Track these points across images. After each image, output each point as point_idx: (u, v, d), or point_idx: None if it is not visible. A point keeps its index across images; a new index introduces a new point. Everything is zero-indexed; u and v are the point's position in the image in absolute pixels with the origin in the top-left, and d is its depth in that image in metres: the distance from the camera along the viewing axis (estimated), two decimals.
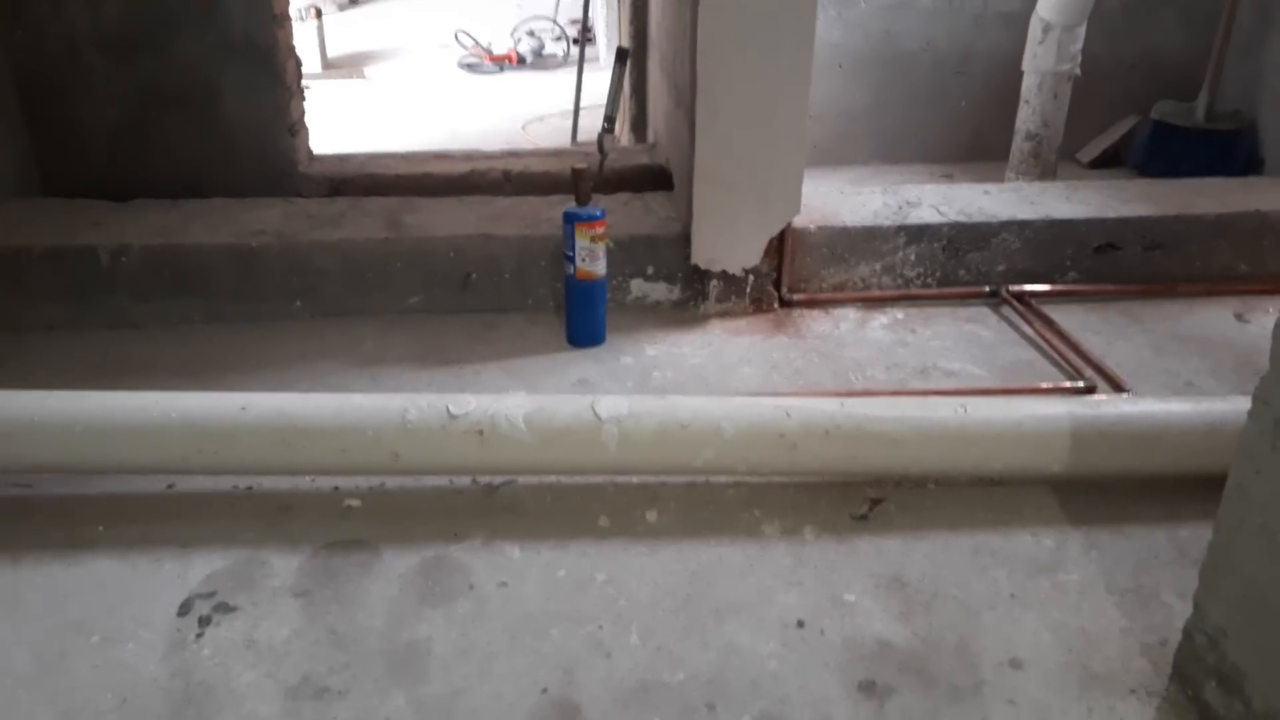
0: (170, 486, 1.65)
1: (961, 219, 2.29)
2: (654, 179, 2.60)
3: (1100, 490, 1.61)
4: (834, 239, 2.28)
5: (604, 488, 1.62)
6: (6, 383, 1.85)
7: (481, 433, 1.52)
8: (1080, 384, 1.90)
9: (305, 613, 1.39)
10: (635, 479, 1.64)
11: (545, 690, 1.25)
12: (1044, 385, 1.92)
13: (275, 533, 1.55)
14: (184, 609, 1.39)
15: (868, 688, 1.25)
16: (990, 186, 2.52)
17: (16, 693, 1.25)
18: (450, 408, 1.54)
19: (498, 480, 1.65)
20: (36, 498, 1.63)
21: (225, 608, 1.40)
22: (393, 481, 1.64)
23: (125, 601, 1.41)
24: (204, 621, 1.37)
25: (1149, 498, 1.60)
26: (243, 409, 1.54)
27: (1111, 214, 2.33)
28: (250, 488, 1.64)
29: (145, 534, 1.54)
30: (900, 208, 2.34)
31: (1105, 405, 1.59)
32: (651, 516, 1.57)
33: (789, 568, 1.46)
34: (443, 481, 1.65)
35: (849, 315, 2.26)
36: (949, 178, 3.10)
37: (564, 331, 2.14)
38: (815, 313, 2.27)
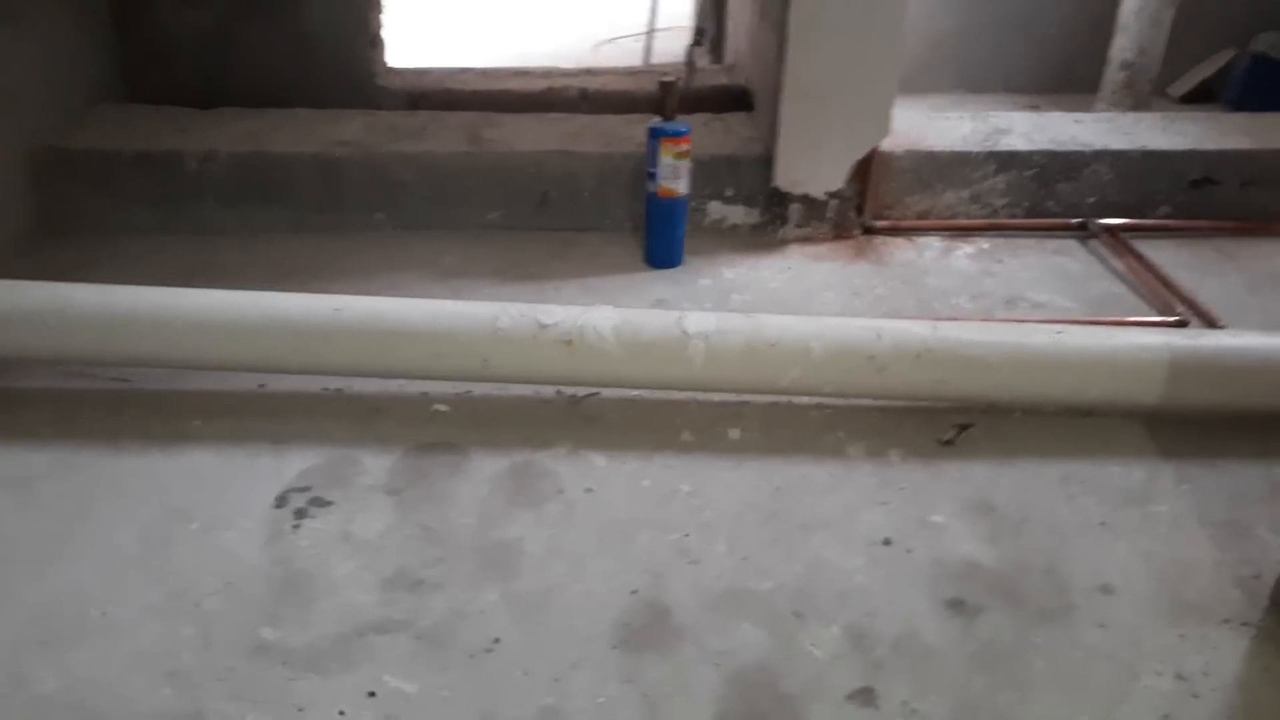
0: (262, 386, 1.69)
1: (1053, 147, 2.23)
2: (734, 100, 2.55)
3: (1192, 424, 1.58)
4: (920, 164, 2.23)
5: (686, 404, 1.63)
6: (104, 280, 1.91)
7: (570, 343, 1.53)
8: (1173, 318, 1.86)
9: (398, 509, 1.42)
10: (717, 397, 1.64)
11: (635, 591, 1.28)
12: (1136, 319, 1.87)
13: (366, 433, 1.58)
14: (280, 501, 1.44)
15: (956, 605, 1.26)
16: (1083, 116, 2.44)
17: (126, 572, 1.31)
18: (541, 317, 1.55)
19: (582, 392, 1.66)
20: (134, 391, 1.67)
21: (320, 502, 1.44)
22: (479, 389, 1.66)
23: (223, 492, 1.46)
24: (300, 514, 1.41)
25: (1243, 434, 1.56)
26: (337, 310, 1.57)
27: (1210, 146, 2.24)
28: (340, 390, 1.67)
29: (240, 429, 1.59)
30: (989, 134, 2.28)
31: (1205, 337, 1.56)
32: (734, 434, 1.58)
33: (874, 488, 1.46)
34: (528, 391, 1.67)
35: (933, 244, 2.22)
36: (1035, 108, 3.00)
37: (641, 252, 2.13)
38: (898, 240, 2.23)
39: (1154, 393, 1.51)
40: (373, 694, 1.14)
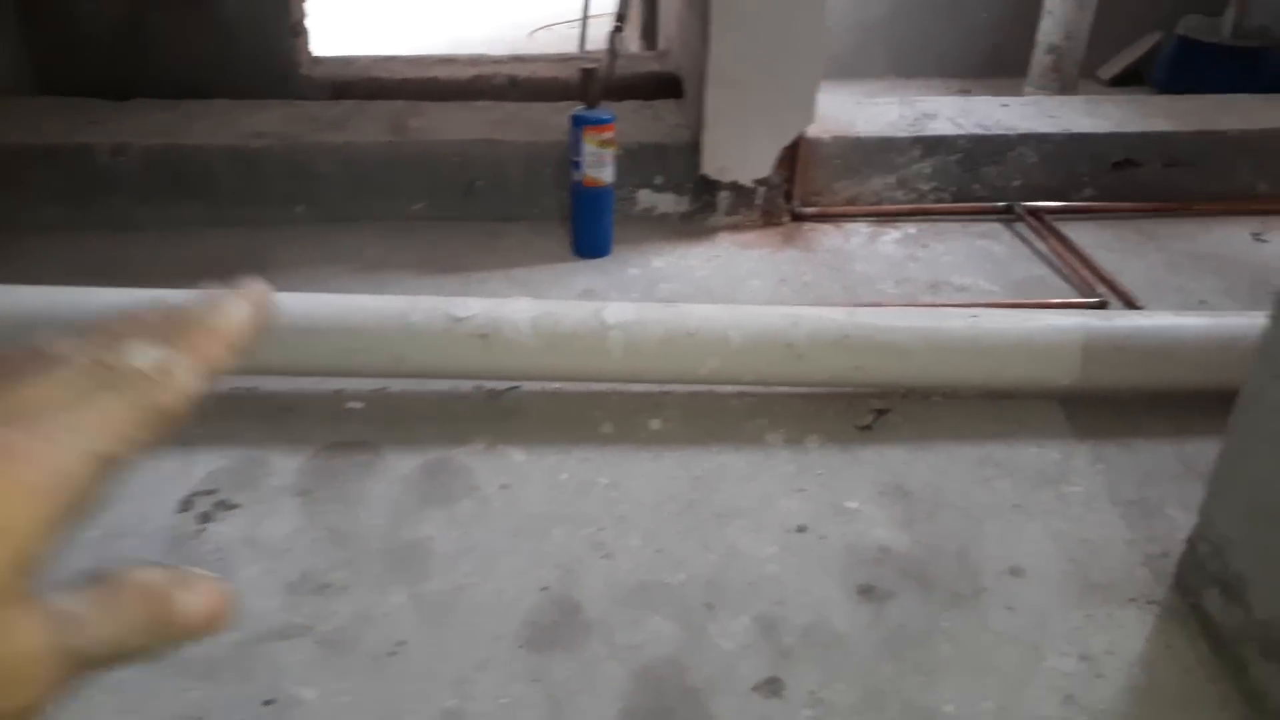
0: None
1: (978, 131, 2.23)
2: (664, 87, 2.53)
3: (1108, 405, 1.60)
4: (848, 150, 2.22)
5: (608, 395, 1.61)
6: (8, 283, 1.85)
7: (486, 336, 1.50)
8: (1093, 299, 1.87)
9: (306, 511, 1.39)
10: (639, 387, 1.63)
11: (546, 588, 1.26)
12: (1056, 300, 1.89)
13: (277, 433, 1.54)
14: (185, 505, 1.40)
15: (867, 591, 1.25)
16: (1010, 100, 2.45)
17: None
18: (454, 311, 1.52)
19: (501, 386, 1.63)
20: None
21: (226, 505, 1.40)
22: (396, 385, 1.63)
23: (123, 499, 1.41)
24: (205, 518, 1.38)
25: (1157, 413, 1.58)
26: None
27: (1132, 128, 2.26)
28: (252, 389, 1.63)
29: None
30: (916, 119, 2.28)
31: (1119, 319, 1.57)
32: (655, 424, 1.56)
33: (791, 475, 1.46)
34: (446, 386, 1.64)
35: (860, 230, 2.22)
36: (966, 92, 3.02)
37: (570, 242, 2.11)
38: (826, 227, 2.22)
39: (1070, 374, 1.52)
40: (269, 702, 1.11)
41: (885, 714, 1.09)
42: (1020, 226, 2.21)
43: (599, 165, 1.99)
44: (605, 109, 1.97)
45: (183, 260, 2.05)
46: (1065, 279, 2.00)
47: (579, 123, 1.95)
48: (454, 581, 1.27)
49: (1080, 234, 2.15)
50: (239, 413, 1.58)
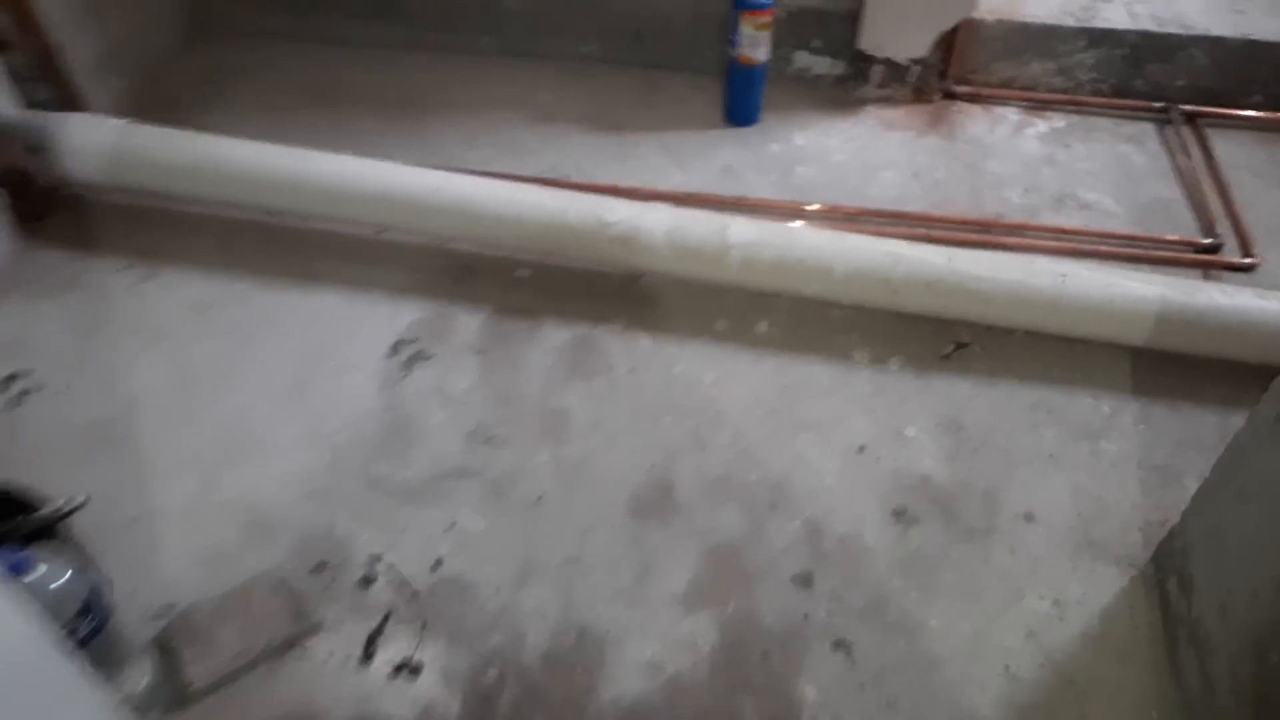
0: (379, 233, 2.02)
1: (1150, 27, 2.18)
2: None
3: (1176, 362, 1.76)
4: (1011, 33, 2.23)
5: (727, 292, 1.89)
6: (243, 98, 2.24)
7: (626, 241, 1.79)
8: (1208, 241, 1.96)
9: (482, 368, 1.79)
10: (758, 289, 1.89)
11: (651, 468, 1.65)
12: (1168, 237, 1.98)
13: (461, 290, 1.92)
14: (393, 350, 1.82)
15: (900, 514, 1.58)
16: None
17: (279, 405, 1.73)
18: (604, 215, 1.80)
19: (640, 272, 1.93)
20: (277, 227, 2.03)
21: (424, 355, 1.82)
22: (556, 259, 1.96)
23: (351, 335, 1.84)
24: (407, 365, 1.80)
25: (1221, 378, 1.74)
26: (437, 190, 1.85)
27: None
28: (442, 248, 1.99)
29: (362, 275, 1.95)
30: (1090, 3, 2.23)
31: (1200, 293, 1.69)
32: (762, 327, 1.85)
33: (867, 395, 1.75)
34: (597, 263, 1.95)
35: (1009, 117, 2.27)
36: None
37: (722, 106, 2.27)
38: (976, 109, 2.29)
39: (1141, 337, 1.70)
40: (452, 526, 1.57)
41: (884, 618, 1.46)
42: (1170, 131, 2.21)
43: (754, 45, 2.11)
44: None
45: (383, 88, 2.35)
46: (1193, 206, 2.06)
47: (738, 5, 2.05)
48: (584, 450, 1.67)
49: (1232, 149, 2.16)
50: (431, 266, 1.96)
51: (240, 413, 1.72)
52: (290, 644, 1.43)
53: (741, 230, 1.77)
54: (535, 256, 1.96)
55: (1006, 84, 2.30)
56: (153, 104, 2.25)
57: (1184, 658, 1.36)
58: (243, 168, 1.89)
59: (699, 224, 1.79)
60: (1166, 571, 1.44)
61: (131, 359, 1.81)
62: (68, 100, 2.07)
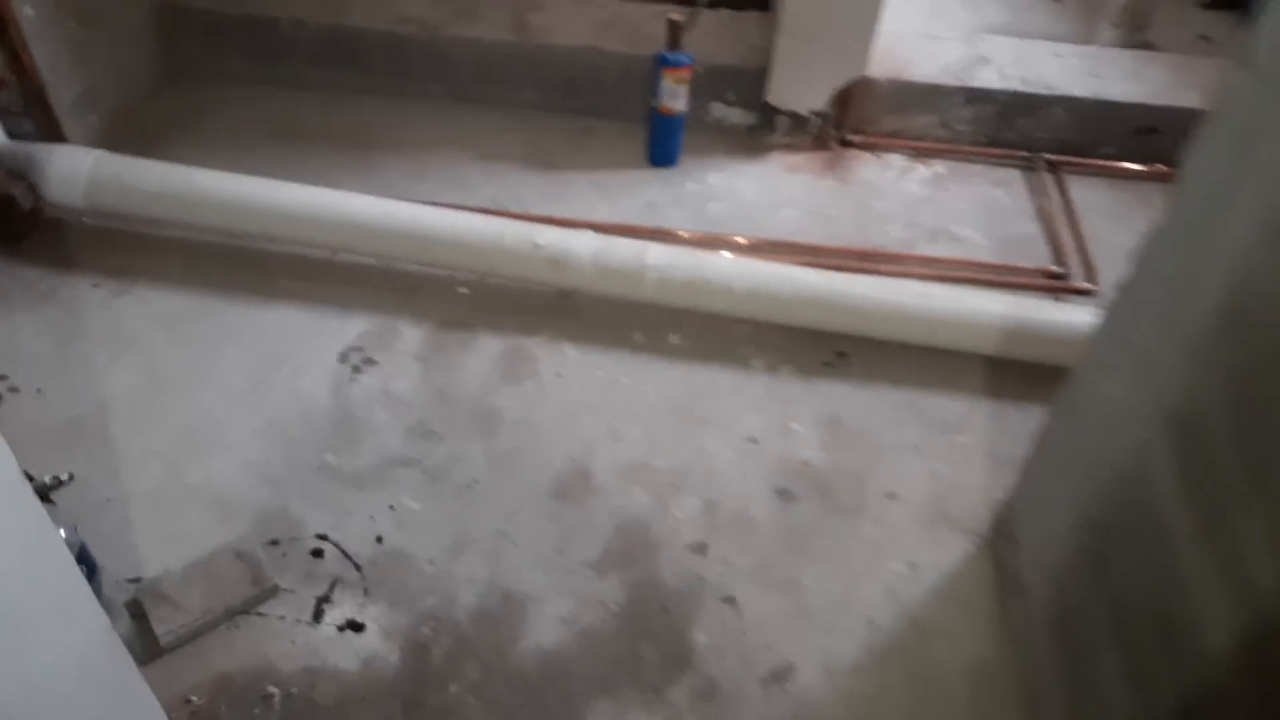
0: (334, 254, 2.25)
1: (1019, 87, 2.52)
2: None
3: (1023, 369, 2.04)
4: (899, 91, 2.55)
5: (644, 309, 2.14)
6: (209, 135, 2.47)
7: (556, 262, 2.04)
8: (1058, 270, 2.27)
9: (423, 373, 2.03)
10: (670, 306, 2.16)
11: (572, 457, 1.88)
12: (1024, 266, 2.28)
13: (406, 306, 2.16)
14: (343, 357, 2.05)
15: (783, 493, 1.84)
16: (1065, 49, 2.67)
17: (240, 403, 1.95)
18: (536, 239, 2.05)
19: (569, 289, 2.19)
20: (241, 249, 2.25)
21: (370, 361, 2.04)
22: (493, 279, 2.20)
23: (305, 344, 2.07)
24: (356, 370, 2.03)
25: (1060, 381, 2.02)
26: (387, 216, 2.09)
27: (1160, 101, 2.50)
28: (389, 267, 2.22)
29: (317, 292, 2.17)
30: (969, 64, 2.56)
31: (1041, 310, 1.99)
32: (673, 339, 2.11)
33: (760, 396, 2.01)
34: (528, 283, 2.20)
35: (896, 163, 2.59)
36: (1058, 1, 3.14)
37: (646, 149, 2.55)
38: (868, 156, 2.60)
39: (990, 348, 1.99)
40: (392, 507, 1.79)
41: (767, 577, 1.71)
42: (1034, 177, 2.54)
43: (674, 97, 2.40)
44: (684, 51, 2.35)
45: (342, 127, 2.60)
46: (1050, 241, 2.37)
47: (660, 62, 2.35)
48: (513, 443, 1.91)
49: (1086, 192, 2.49)
50: (381, 285, 2.19)
51: (204, 411, 1.93)
52: (249, 606, 1.63)
53: (658, 254, 2.04)
54: (474, 276, 2.20)
55: (895, 134, 2.62)
56: (126, 139, 2.46)
57: (1009, 602, 1.62)
58: (209, 194, 2.12)
59: (621, 248, 2.05)
60: (1000, 536, 1.71)
61: (104, 366, 2.01)
62: (50, 133, 2.28)
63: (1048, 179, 2.52)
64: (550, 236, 2.06)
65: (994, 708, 1.56)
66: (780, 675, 1.58)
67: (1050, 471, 1.55)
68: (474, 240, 2.07)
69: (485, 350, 2.08)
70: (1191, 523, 1.12)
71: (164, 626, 1.57)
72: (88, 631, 1.18)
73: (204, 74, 2.73)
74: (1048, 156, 2.56)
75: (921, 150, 2.60)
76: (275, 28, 2.66)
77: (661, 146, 2.51)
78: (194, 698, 1.51)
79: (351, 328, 2.10)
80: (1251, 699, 0.99)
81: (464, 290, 2.20)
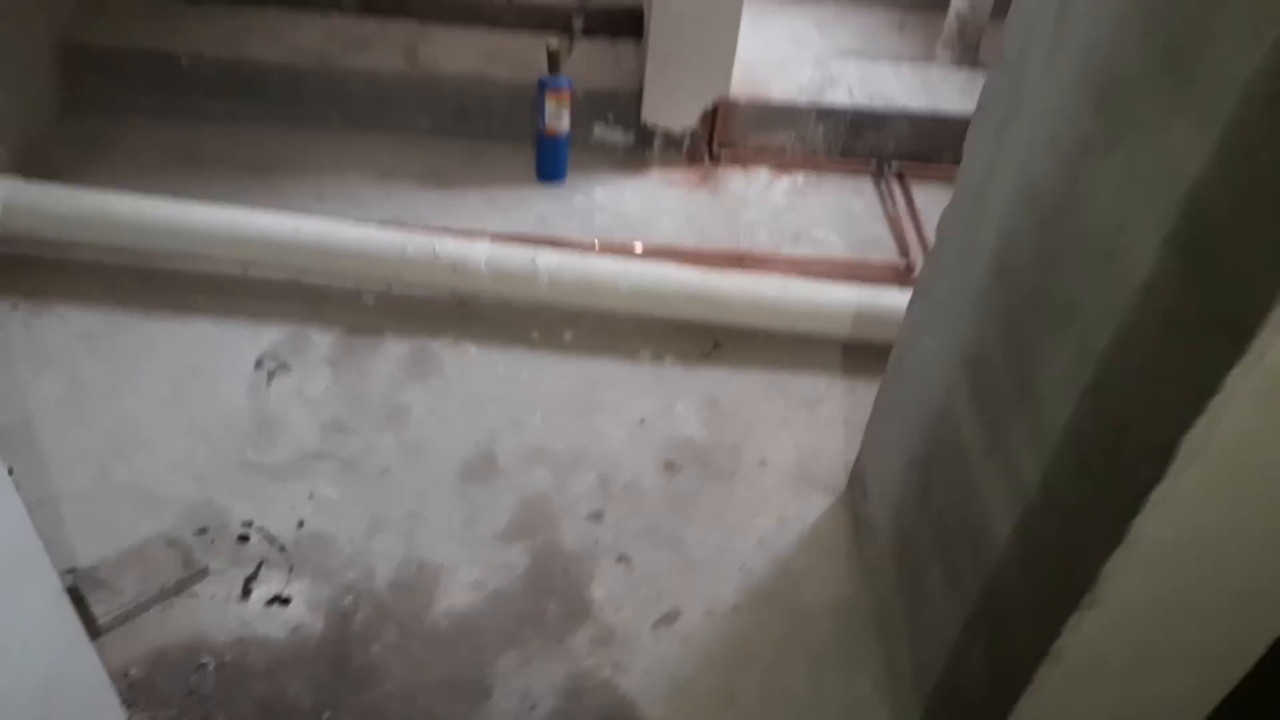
0: (245, 270, 2.39)
1: (864, 103, 2.83)
2: (635, 22, 3.08)
3: (877, 349, 2.32)
4: (759, 110, 2.84)
5: (540, 310, 2.36)
6: (114, 163, 2.59)
7: (455, 268, 2.24)
8: (904, 263, 2.57)
9: (334, 375, 2.19)
10: (561, 307, 2.37)
11: (477, 443, 2.07)
12: (872, 261, 2.58)
13: (316, 315, 2.32)
14: (258, 364, 2.20)
15: (669, 465, 2.07)
16: (906, 69, 3.01)
17: (163, 408, 2.08)
18: (436, 247, 2.24)
19: (468, 296, 2.38)
20: (156, 269, 2.37)
21: (285, 366, 2.20)
22: (396, 288, 2.38)
23: (221, 354, 2.21)
24: (271, 375, 2.18)
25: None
26: (294, 230, 2.25)
27: None
28: (297, 280, 2.38)
29: (230, 305, 2.31)
30: (821, 85, 2.87)
31: (884, 297, 2.28)
32: (568, 336, 2.33)
33: (648, 383, 2.24)
34: (430, 292, 2.38)
35: (762, 176, 2.87)
36: (902, 27, 3.50)
37: (534, 167, 2.78)
38: (736, 170, 2.88)
39: (844, 331, 2.27)
40: (312, 495, 1.95)
41: (656, 537, 1.93)
42: (883, 184, 2.86)
43: (557, 118, 2.63)
44: (563, 75, 2.59)
45: (242, 156, 2.74)
46: (895, 240, 2.68)
47: (543, 87, 2.58)
48: (422, 433, 2.09)
49: (929, 196, 2.81)
50: (291, 296, 2.35)
51: (128, 417, 2.05)
52: (181, 587, 1.77)
53: (548, 258, 2.25)
54: (379, 286, 2.38)
55: (760, 149, 2.90)
56: (33, 168, 2.55)
57: (863, 544, 1.88)
58: (121, 215, 2.25)
59: (514, 253, 2.26)
60: (853, 488, 1.98)
61: (28, 379, 2.11)
62: None
63: (895, 185, 2.84)
64: (449, 245, 2.25)
65: (852, 635, 1.81)
66: (669, 619, 1.80)
67: (886, 424, 1.82)
68: (377, 251, 2.25)
69: (392, 353, 2.25)
70: (983, 440, 1.38)
71: (102, 608, 1.69)
72: (44, 589, 1.32)
73: (107, 106, 2.83)
74: (894, 165, 2.88)
75: (783, 164, 2.89)
76: (176, 62, 2.78)
77: (548, 164, 2.73)
78: (132, 670, 1.64)
79: (264, 337, 2.25)
80: (1019, 567, 1.26)
81: (369, 299, 2.37)
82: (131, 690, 1.61)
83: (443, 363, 2.24)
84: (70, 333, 2.22)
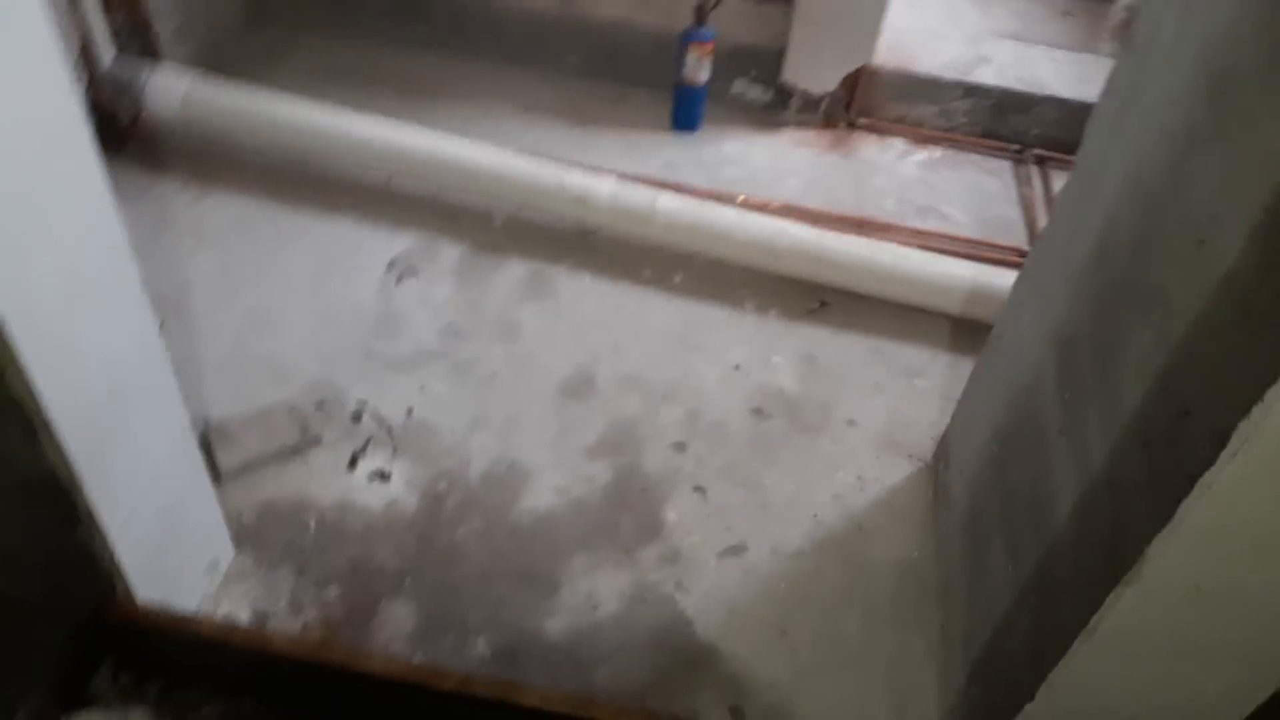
0: (389, 180, 2.56)
1: (1013, 85, 2.78)
2: None
3: (987, 331, 2.31)
4: (902, 81, 2.82)
5: (655, 251, 2.43)
6: (287, 71, 2.79)
7: (580, 200, 2.34)
8: (1025, 251, 2.53)
9: (457, 285, 2.33)
10: (675, 249, 2.44)
11: (579, 365, 2.18)
12: (996, 243, 2.54)
13: (448, 229, 2.46)
14: (390, 266, 2.36)
15: (757, 411, 2.12)
16: (1062, 55, 2.93)
17: (300, 295, 2.26)
18: (565, 179, 2.35)
19: (589, 229, 2.48)
20: (308, 167, 2.56)
21: (413, 271, 2.35)
22: (524, 213, 2.50)
23: (357, 253, 2.38)
24: (400, 278, 2.33)
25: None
26: (440, 147, 2.40)
27: None
28: (435, 195, 2.53)
29: (372, 210, 2.48)
30: (969, 63, 2.83)
31: (1000, 277, 2.26)
32: (678, 278, 2.40)
33: (749, 332, 2.29)
34: (555, 221, 2.49)
35: (896, 145, 2.86)
36: (1066, 15, 3.38)
37: (671, 115, 2.84)
38: (871, 138, 2.87)
39: (955, 308, 2.26)
40: (422, 388, 2.10)
41: (734, 475, 1.99)
42: (1022, 169, 2.80)
43: (697, 70, 2.69)
44: (709, 29, 2.64)
45: (402, 76, 2.91)
46: (1026, 225, 2.63)
47: (685, 39, 2.63)
48: (530, 349, 2.20)
49: None
50: (426, 209, 2.50)
51: (268, 298, 2.24)
52: (296, 450, 1.95)
53: (668, 200, 2.33)
54: (508, 209, 2.50)
55: (898, 120, 2.89)
56: (214, 70, 2.78)
57: (940, 512, 1.90)
58: (285, 117, 2.44)
59: (636, 193, 2.34)
60: (939, 458, 1.99)
61: (187, 254, 2.33)
62: (150, 58, 2.61)
63: (1034, 172, 2.78)
64: (578, 178, 2.35)
65: (914, 598, 1.84)
66: (735, 551, 1.87)
67: (977, 398, 1.83)
68: (510, 175, 2.37)
69: (512, 272, 2.38)
70: (1060, 419, 1.39)
71: (226, 458, 1.89)
72: (175, 426, 1.50)
73: (286, 17, 3.05)
74: (1037, 151, 2.81)
75: (920, 137, 2.87)
76: None
77: (684, 113, 2.80)
78: (244, 517, 1.83)
79: (398, 243, 2.41)
80: (1072, 543, 1.27)
81: (498, 221, 2.50)
82: (241, 533, 1.80)
83: (557, 287, 2.35)
84: (228, 217, 2.43)
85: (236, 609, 1.69)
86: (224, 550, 1.73)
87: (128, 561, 1.46)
